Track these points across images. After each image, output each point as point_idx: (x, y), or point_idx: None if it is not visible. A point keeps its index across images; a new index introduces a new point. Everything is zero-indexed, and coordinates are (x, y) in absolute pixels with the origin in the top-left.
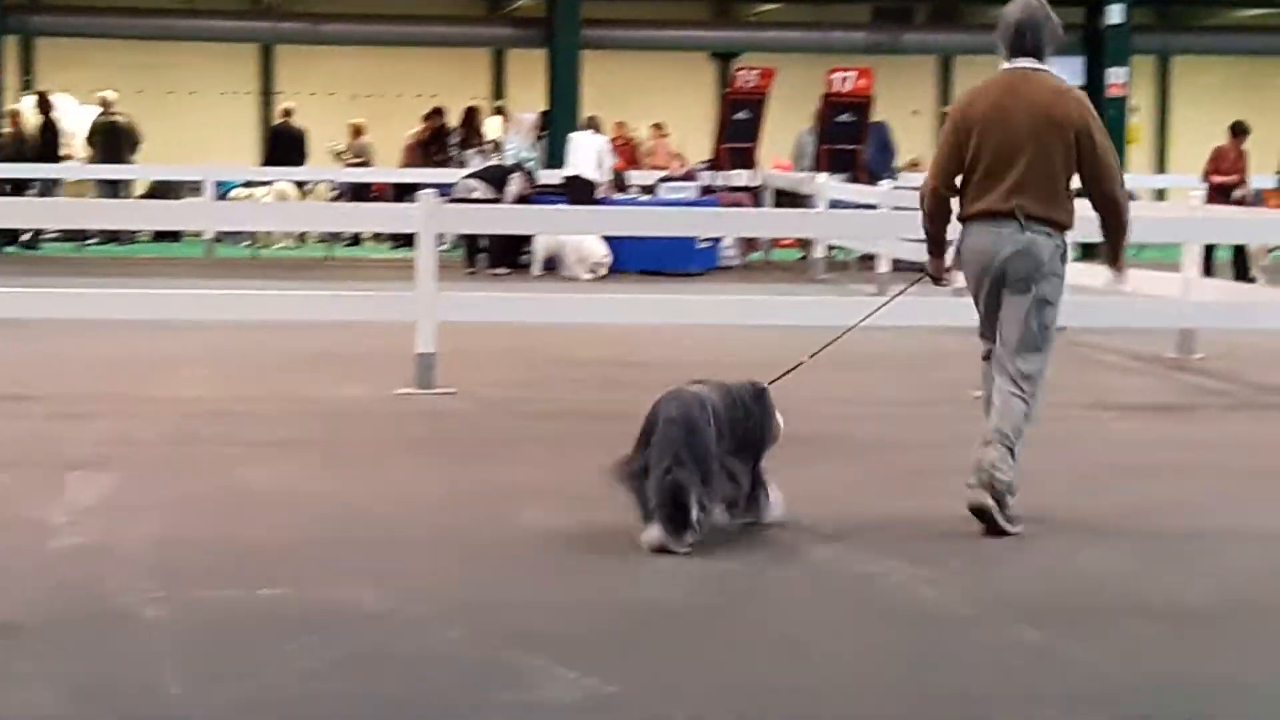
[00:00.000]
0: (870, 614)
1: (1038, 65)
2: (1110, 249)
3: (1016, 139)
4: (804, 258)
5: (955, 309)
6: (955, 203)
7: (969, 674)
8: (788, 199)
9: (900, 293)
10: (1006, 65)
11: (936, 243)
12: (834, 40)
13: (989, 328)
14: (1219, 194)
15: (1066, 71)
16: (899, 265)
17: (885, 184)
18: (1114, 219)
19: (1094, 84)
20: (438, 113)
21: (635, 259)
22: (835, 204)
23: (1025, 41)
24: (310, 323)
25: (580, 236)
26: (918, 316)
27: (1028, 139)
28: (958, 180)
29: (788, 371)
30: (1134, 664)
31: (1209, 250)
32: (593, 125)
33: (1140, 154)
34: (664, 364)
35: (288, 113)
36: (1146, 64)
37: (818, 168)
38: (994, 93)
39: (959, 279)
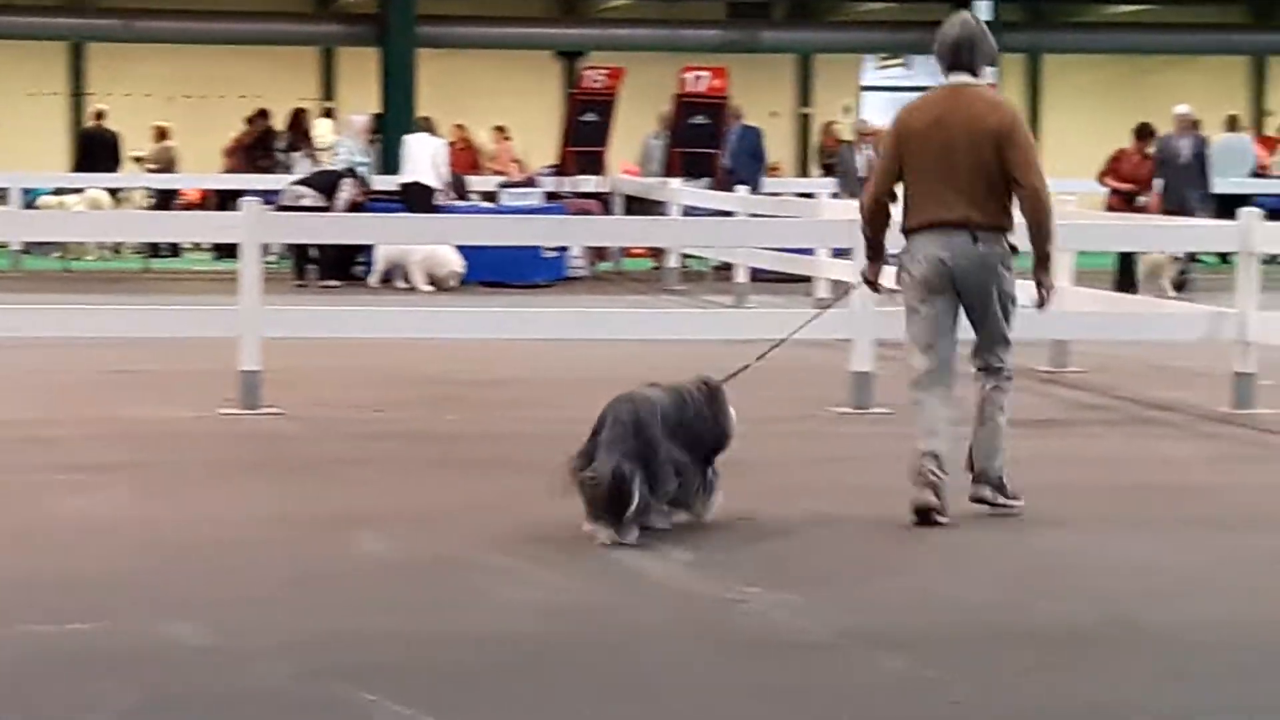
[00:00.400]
0: (728, 644)
1: (972, 80)
2: (1035, 252)
3: (954, 151)
4: (657, 268)
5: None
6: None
7: (829, 705)
8: (639, 206)
9: (829, 306)
10: (944, 80)
11: (875, 249)
12: (686, 38)
13: (930, 341)
14: (1122, 201)
15: (932, 71)
16: (757, 275)
17: (741, 189)
18: (1037, 212)
19: None
20: (263, 115)
21: (476, 270)
22: (689, 211)
23: (961, 58)
24: (126, 339)
25: (432, 246)
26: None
27: (965, 150)
28: (898, 189)
29: (735, 373)
30: (1003, 692)
31: (1126, 262)
32: (428, 127)
33: None
34: (505, 381)
35: (100, 115)
36: (1016, 63)
37: (670, 172)
38: (932, 107)
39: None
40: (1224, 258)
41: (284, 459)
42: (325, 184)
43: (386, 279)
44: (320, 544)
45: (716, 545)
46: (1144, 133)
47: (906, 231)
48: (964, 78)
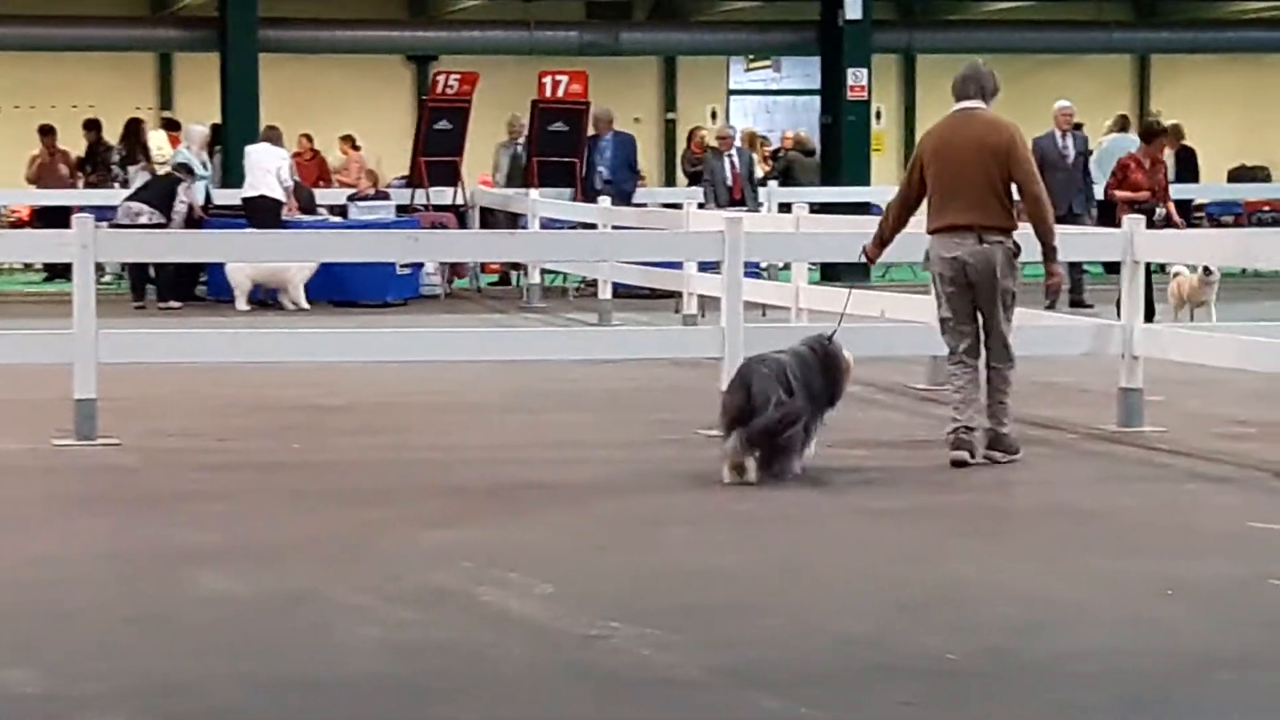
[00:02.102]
0: (594, 682)
1: (978, 105)
2: (1043, 246)
3: (963, 166)
4: (497, 283)
5: (684, 340)
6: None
7: None
8: (496, 219)
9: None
10: (955, 108)
11: (881, 236)
12: (544, 40)
13: (957, 324)
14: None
15: (803, 72)
16: (618, 291)
17: (604, 201)
18: (1038, 214)
19: (832, 86)
20: (94, 125)
21: (325, 289)
22: (549, 223)
23: (969, 88)
24: None
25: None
26: (644, 348)
27: (973, 164)
28: (918, 200)
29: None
30: None
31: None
32: (273, 137)
33: (885, 163)
34: (352, 407)
35: None
36: (889, 63)
37: (528, 183)
38: (943, 130)
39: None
40: (1109, 268)
41: (122, 492)
42: (162, 195)
43: (261, 301)
44: (161, 583)
45: (576, 577)
46: (1153, 133)
47: (930, 232)
48: (970, 104)
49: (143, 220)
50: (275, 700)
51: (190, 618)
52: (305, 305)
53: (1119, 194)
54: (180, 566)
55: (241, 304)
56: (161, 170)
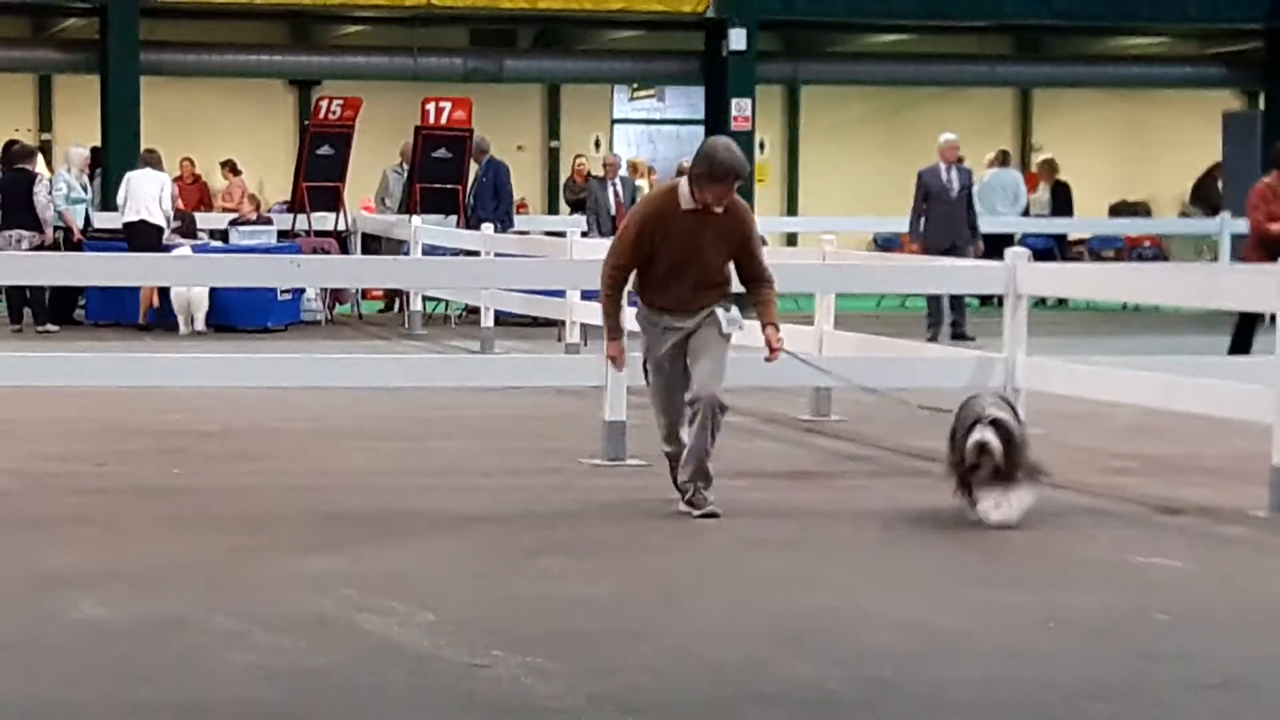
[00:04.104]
0: (474, 711)
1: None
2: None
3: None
4: (385, 310)
5: (566, 368)
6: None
7: None
8: (378, 244)
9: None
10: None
11: None
12: (428, 67)
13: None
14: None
15: (687, 101)
16: (501, 319)
17: (486, 227)
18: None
19: (716, 117)
20: None
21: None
22: (431, 250)
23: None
24: None
25: (191, 289)
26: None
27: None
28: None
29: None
30: None
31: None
32: (153, 161)
33: (768, 193)
34: (231, 432)
35: None
36: (773, 95)
37: (411, 209)
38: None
39: None
40: (985, 301)
41: None
42: (22, 196)
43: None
44: (34, 607)
45: (457, 606)
46: None
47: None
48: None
49: (24, 246)
50: None
51: (63, 642)
52: (198, 329)
53: (1276, 227)
54: (54, 591)
55: (199, 326)
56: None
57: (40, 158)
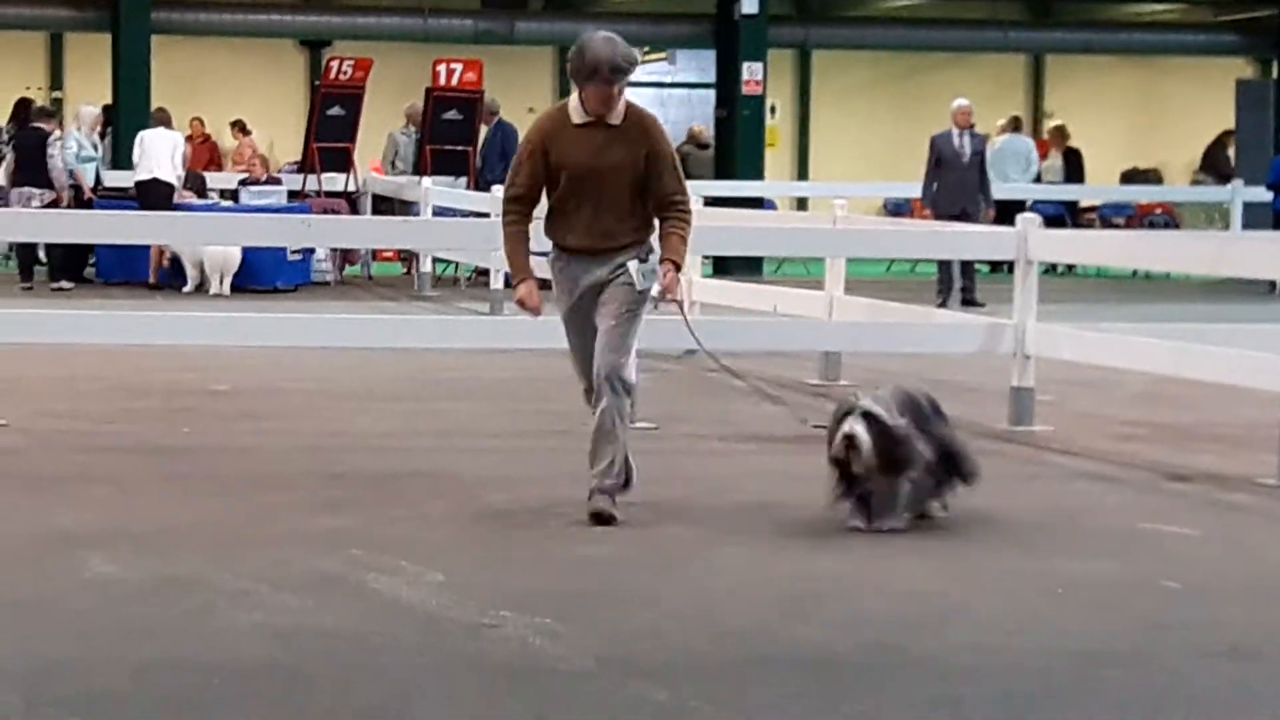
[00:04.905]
0: (483, 670)
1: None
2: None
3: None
4: (407, 272)
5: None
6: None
7: None
8: (389, 206)
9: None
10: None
11: None
12: (438, 28)
13: None
14: None
15: (697, 65)
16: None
17: (496, 190)
18: None
19: (727, 80)
20: None
21: None
22: (441, 212)
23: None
24: None
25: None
26: (538, 339)
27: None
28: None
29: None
30: None
31: None
32: (165, 120)
33: (779, 158)
34: (240, 392)
35: None
36: (784, 59)
37: (421, 171)
38: None
39: None
40: (995, 267)
41: (5, 474)
42: (36, 153)
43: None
44: (44, 565)
45: (465, 566)
46: None
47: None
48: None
49: (35, 204)
50: (158, 684)
51: (73, 601)
52: (216, 288)
53: None
54: (62, 549)
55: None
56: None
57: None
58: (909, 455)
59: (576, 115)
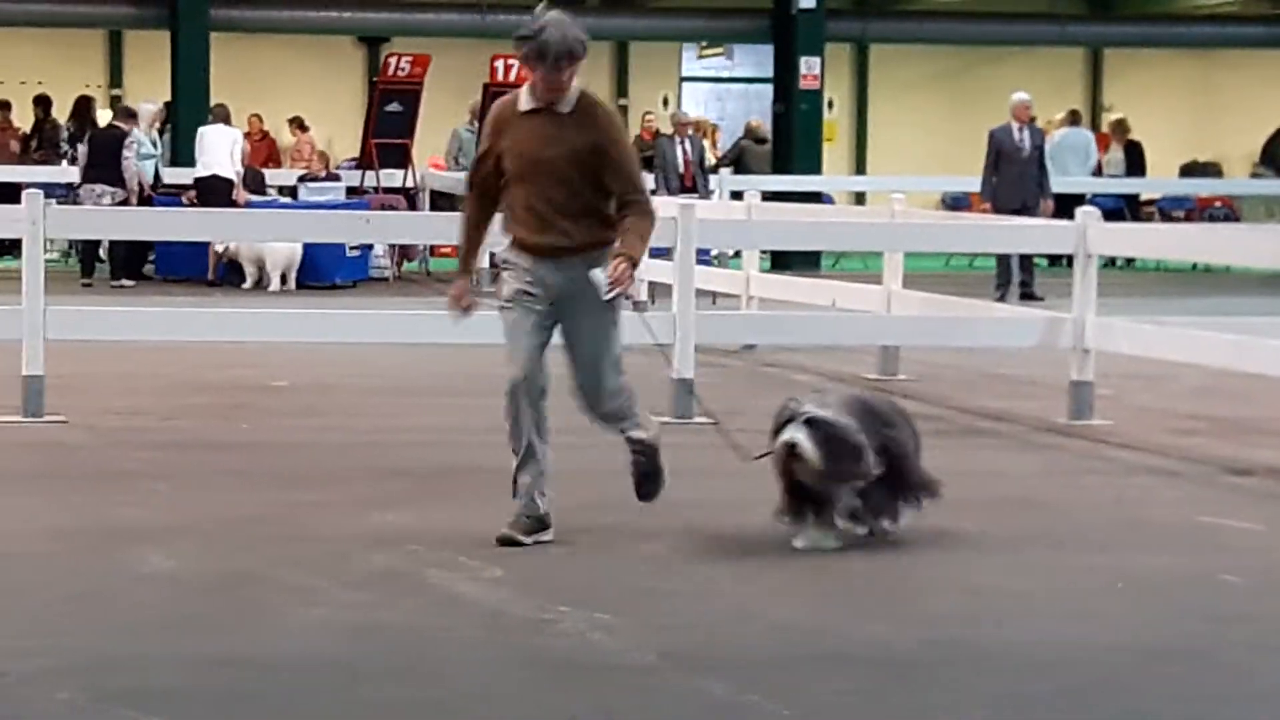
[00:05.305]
0: (543, 665)
1: None
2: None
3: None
4: None
5: (634, 326)
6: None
7: None
8: (447, 202)
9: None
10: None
11: None
12: (497, 24)
13: None
14: None
15: (755, 60)
16: None
17: None
18: None
19: (785, 75)
20: (43, 102)
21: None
22: None
23: None
24: None
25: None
26: None
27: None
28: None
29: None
30: (827, 717)
31: None
32: (224, 117)
33: (836, 153)
34: (298, 388)
35: None
36: (842, 53)
37: None
38: None
39: None
40: (1054, 261)
41: (68, 470)
42: (111, 153)
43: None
44: (104, 560)
45: (524, 562)
46: None
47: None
48: None
49: (106, 201)
50: (217, 679)
51: (133, 596)
52: (277, 285)
53: None
54: (124, 545)
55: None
56: None
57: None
58: (858, 464)
59: (525, 102)
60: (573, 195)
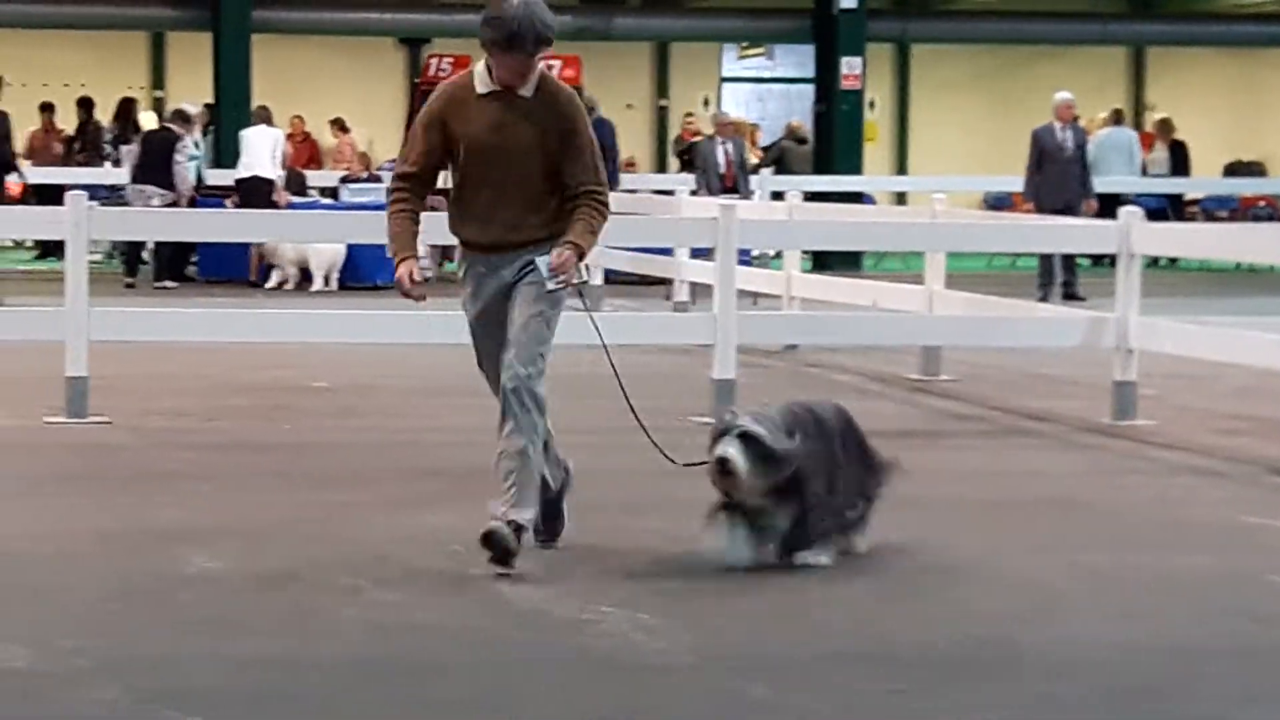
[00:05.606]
0: (585, 665)
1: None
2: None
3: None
4: None
5: (676, 326)
6: None
7: None
8: None
9: None
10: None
11: None
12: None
13: None
14: None
15: (796, 60)
16: (608, 278)
17: None
18: None
19: (826, 75)
20: (86, 104)
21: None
22: None
23: None
24: None
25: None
26: (637, 334)
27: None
28: None
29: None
30: (869, 717)
31: None
32: (266, 118)
33: (878, 153)
34: (339, 389)
35: None
36: (883, 53)
37: None
38: None
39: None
40: (1097, 261)
41: (111, 470)
42: (162, 155)
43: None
44: (148, 561)
45: (565, 562)
46: None
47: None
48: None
49: (155, 203)
50: (259, 679)
51: (176, 596)
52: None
53: None
54: (167, 545)
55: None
56: None
57: (154, 114)
58: (796, 481)
59: (482, 84)
60: (527, 186)
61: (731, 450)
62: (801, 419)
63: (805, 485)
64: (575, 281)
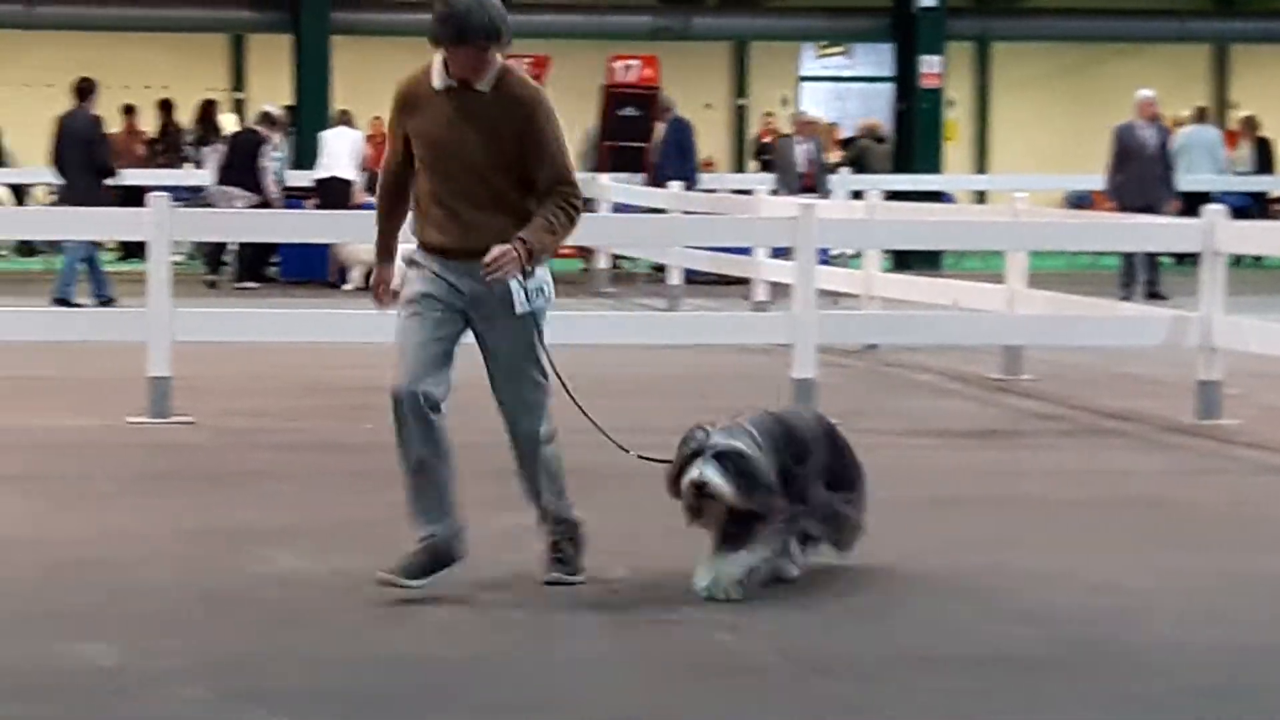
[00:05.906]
0: (670, 665)
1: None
2: None
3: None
4: (585, 269)
5: (755, 325)
6: None
7: None
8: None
9: None
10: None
11: None
12: (615, 25)
13: None
14: None
15: (875, 59)
16: (688, 278)
17: (674, 185)
18: None
19: (905, 74)
20: (167, 106)
21: None
22: (620, 208)
23: None
24: (29, 344)
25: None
26: (717, 334)
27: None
28: None
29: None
30: (953, 719)
31: None
32: (347, 120)
33: (958, 152)
34: None
35: None
36: (964, 51)
37: (600, 168)
38: None
39: None
40: (1181, 259)
41: (194, 470)
42: (247, 157)
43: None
44: (232, 560)
45: (648, 561)
46: None
47: None
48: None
49: (239, 205)
50: (342, 679)
51: (261, 595)
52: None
53: None
54: (250, 544)
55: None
56: None
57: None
58: (771, 501)
59: (438, 79)
60: (483, 187)
61: (709, 471)
62: (775, 431)
63: (773, 507)
64: (523, 287)
